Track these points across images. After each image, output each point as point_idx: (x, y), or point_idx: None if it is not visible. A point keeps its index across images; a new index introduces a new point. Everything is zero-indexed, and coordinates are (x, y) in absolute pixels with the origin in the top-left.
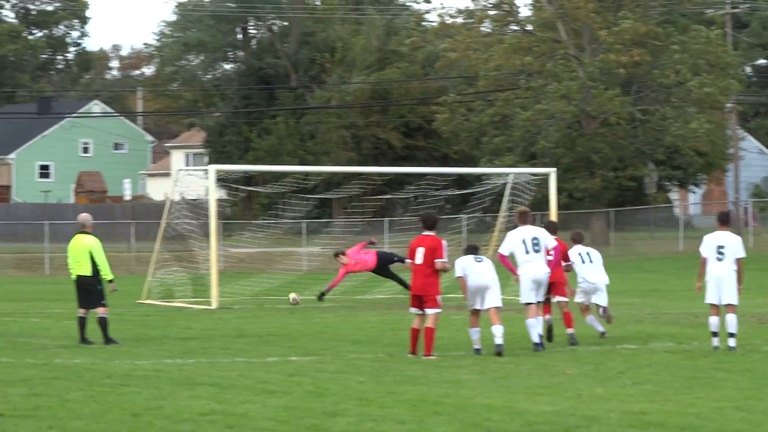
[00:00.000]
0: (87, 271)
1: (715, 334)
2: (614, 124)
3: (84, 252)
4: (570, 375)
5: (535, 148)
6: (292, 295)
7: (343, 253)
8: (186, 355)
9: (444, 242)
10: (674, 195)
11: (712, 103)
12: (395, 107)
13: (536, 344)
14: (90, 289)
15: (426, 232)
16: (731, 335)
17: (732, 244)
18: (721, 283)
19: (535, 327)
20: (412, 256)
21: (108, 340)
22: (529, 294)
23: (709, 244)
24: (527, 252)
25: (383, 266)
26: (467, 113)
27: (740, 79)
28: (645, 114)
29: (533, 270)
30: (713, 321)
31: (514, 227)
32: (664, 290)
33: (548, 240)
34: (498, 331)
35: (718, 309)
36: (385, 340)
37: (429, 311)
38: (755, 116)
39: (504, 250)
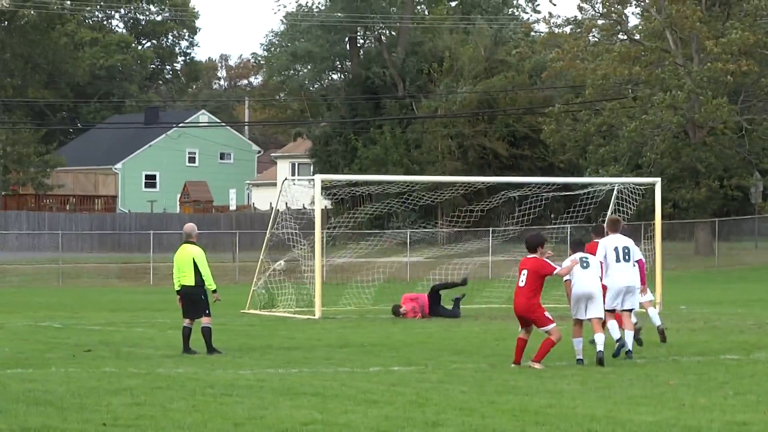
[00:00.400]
0: (191, 281)
1: None
2: (720, 133)
3: (188, 262)
4: (672, 385)
5: (642, 160)
6: (280, 263)
7: (399, 307)
8: (288, 364)
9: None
10: None
11: None
12: (501, 117)
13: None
14: (194, 299)
15: (530, 255)
16: None
17: None
18: None
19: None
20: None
21: (211, 350)
22: (613, 302)
23: None
24: (618, 261)
25: (434, 304)
26: (573, 123)
27: None
28: (752, 123)
29: (624, 278)
30: None
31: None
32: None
33: (637, 250)
34: (600, 339)
35: None
36: (487, 350)
37: (544, 329)
38: None
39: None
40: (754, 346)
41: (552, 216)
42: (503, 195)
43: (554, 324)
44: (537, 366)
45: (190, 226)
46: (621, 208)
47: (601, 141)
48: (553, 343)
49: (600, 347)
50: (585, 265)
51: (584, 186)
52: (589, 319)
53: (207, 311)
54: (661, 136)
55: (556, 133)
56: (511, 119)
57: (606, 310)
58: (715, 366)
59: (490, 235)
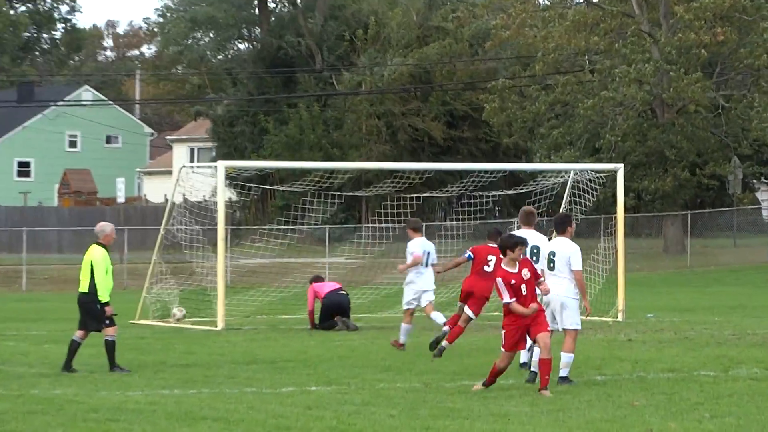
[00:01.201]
0: (85, 287)
1: None
2: (693, 112)
3: (87, 266)
4: (638, 406)
5: (601, 143)
6: (175, 312)
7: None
8: (186, 384)
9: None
10: (763, 195)
11: None
12: (437, 93)
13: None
14: (87, 308)
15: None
16: None
17: None
18: None
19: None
20: (481, 265)
21: (114, 367)
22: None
23: None
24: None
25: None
26: (521, 100)
27: None
28: (729, 100)
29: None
30: None
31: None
32: (749, 306)
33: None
34: (565, 359)
35: None
36: (420, 366)
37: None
38: None
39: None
40: (733, 361)
41: (498, 209)
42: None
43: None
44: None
45: (100, 225)
46: (577, 200)
47: (554, 121)
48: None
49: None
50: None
51: (533, 174)
52: (563, 330)
53: (107, 322)
54: (623, 116)
55: (500, 112)
56: (449, 96)
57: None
58: (688, 384)
59: (423, 231)
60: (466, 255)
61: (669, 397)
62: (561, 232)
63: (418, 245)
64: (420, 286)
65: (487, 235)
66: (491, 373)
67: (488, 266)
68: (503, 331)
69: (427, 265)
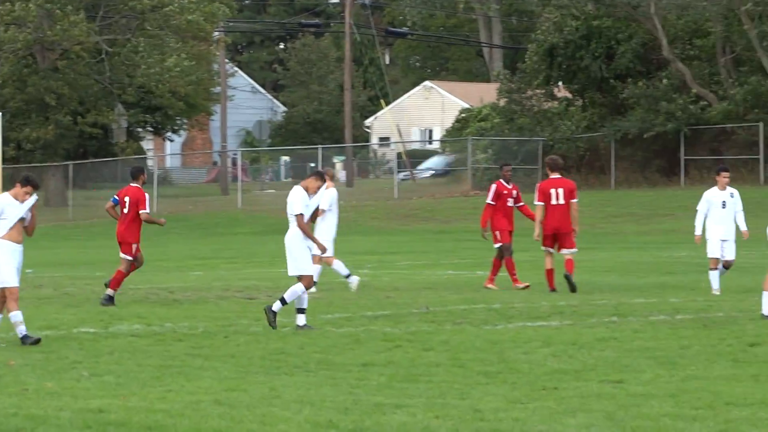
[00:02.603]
0: None
1: None
2: (76, 57)
3: None
4: (13, 366)
5: None
6: None
7: None
8: None
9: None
10: (149, 144)
11: (195, 33)
12: None
13: None
14: None
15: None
16: None
17: None
18: None
19: None
20: None
21: None
22: None
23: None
24: None
25: None
26: None
27: (230, 4)
28: (113, 45)
29: None
30: None
31: None
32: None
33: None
34: None
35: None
36: None
37: None
38: (248, 47)
39: None
40: (114, 317)
41: None
42: None
43: None
44: None
45: None
46: None
47: None
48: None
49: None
50: None
51: None
52: None
53: None
54: (2, 59)
55: None
56: None
57: None
58: (67, 342)
59: None
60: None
61: (47, 355)
62: None
63: None
64: None
65: None
66: None
67: None
68: None
69: None
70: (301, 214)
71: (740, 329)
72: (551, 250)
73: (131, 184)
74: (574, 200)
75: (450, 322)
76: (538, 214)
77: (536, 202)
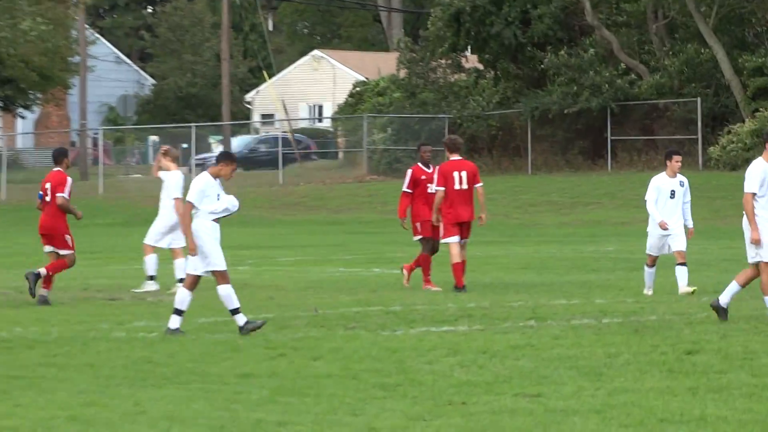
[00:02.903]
0: None
1: None
2: None
3: None
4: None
5: None
6: None
7: None
8: None
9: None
10: None
11: None
12: None
13: None
14: None
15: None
16: None
17: None
18: None
19: None
20: None
21: None
22: None
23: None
24: None
25: None
26: None
27: None
28: None
29: None
30: None
31: None
32: None
33: None
34: None
35: None
36: None
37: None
38: (111, 10)
39: None
40: None
41: None
42: None
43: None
44: None
45: None
46: None
47: None
48: None
49: None
50: None
51: None
52: None
53: None
54: None
55: None
56: None
57: None
58: None
59: None
60: None
61: None
62: None
63: None
64: None
65: None
66: None
67: None
68: None
69: None
70: (190, 202)
71: (676, 335)
72: (456, 239)
73: (54, 169)
74: (479, 184)
75: (342, 326)
76: (438, 200)
77: (436, 187)
